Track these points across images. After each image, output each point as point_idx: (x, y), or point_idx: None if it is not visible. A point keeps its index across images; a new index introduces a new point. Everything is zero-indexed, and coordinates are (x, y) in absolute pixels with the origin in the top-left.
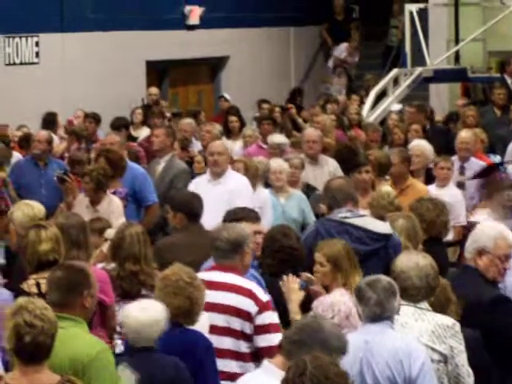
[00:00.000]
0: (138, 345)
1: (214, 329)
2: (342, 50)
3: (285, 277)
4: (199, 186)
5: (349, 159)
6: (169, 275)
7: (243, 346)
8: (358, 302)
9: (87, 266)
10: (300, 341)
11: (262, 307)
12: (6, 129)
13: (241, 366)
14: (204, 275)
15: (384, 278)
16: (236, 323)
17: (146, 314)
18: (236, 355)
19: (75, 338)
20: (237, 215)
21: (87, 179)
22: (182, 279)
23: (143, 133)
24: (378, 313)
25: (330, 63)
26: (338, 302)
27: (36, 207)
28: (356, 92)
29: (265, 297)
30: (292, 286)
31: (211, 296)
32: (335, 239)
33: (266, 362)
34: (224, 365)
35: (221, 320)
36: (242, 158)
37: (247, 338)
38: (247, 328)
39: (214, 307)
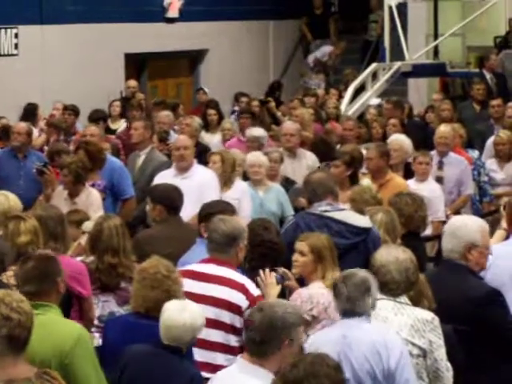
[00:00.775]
0: (166, 342)
1: None
2: (324, 53)
3: (261, 272)
4: (164, 180)
5: (324, 153)
6: (147, 268)
7: (233, 340)
8: (334, 296)
9: (53, 253)
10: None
11: (253, 302)
12: None
13: (228, 359)
14: (197, 267)
15: (359, 274)
16: (226, 317)
17: (182, 314)
18: (225, 348)
19: (54, 324)
20: (213, 208)
21: (66, 172)
22: (160, 272)
23: (121, 125)
24: (349, 308)
25: (310, 60)
26: (316, 294)
27: (12, 199)
28: (334, 86)
29: (256, 291)
30: (269, 281)
31: (202, 288)
32: (318, 233)
33: (239, 358)
34: (212, 357)
35: (211, 312)
36: (218, 151)
37: (237, 331)
38: (237, 322)
39: (204, 299)
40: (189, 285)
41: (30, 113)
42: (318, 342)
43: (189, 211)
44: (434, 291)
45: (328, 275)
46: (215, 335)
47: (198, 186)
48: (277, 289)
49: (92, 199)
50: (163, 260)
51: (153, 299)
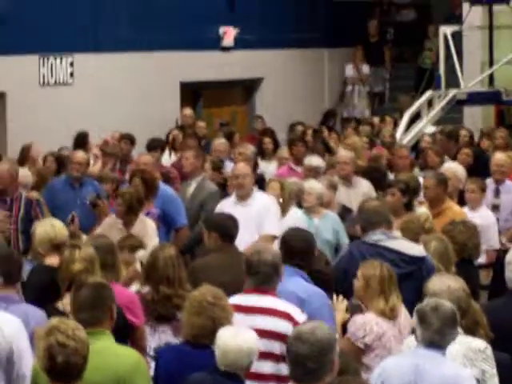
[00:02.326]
0: (223, 368)
1: None
2: (349, 69)
3: (335, 296)
4: (225, 208)
5: (377, 180)
6: (194, 295)
7: (284, 369)
8: (420, 324)
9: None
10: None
11: None
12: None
13: None
14: (240, 299)
15: (447, 305)
16: (275, 347)
17: (236, 339)
18: (276, 379)
19: (110, 351)
20: None
21: (120, 201)
22: (206, 299)
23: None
24: (437, 340)
25: (348, 87)
26: (370, 322)
27: (58, 227)
28: (389, 114)
29: (301, 317)
30: (339, 307)
31: (249, 321)
32: (378, 262)
33: None
34: None
35: (260, 344)
36: (278, 179)
37: None
38: None
39: None
40: (235, 319)
41: (80, 141)
42: (389, 369)
43: (247, 239)
44: (496, 321)
45: (386, 304)
46: (266, 366)
47: (257, 213)
48: (345, 316)
49: (147, 228)
50: (213, 288)
51: (199, 326)
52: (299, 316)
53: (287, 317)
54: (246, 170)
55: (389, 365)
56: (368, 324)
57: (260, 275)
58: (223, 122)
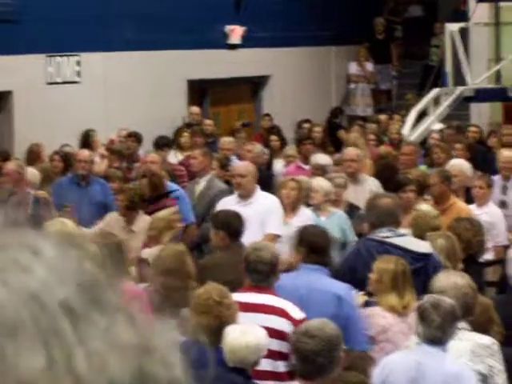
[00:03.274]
0: (231, 364)
1: None
2: (352, 67)
3: (355, 291)
4: (226, 206)
5: (388, 177)
6: (200, 294)
7: (281, 366)
8: (420, 321)
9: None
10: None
11: (297, 325)
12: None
13: None
14: (238, 296)
15: (448, 302)
16: (273, 344)
17: (244, 336)
18: (274, 375)
19: None
20: None
21: (121, 197)
22: (212, 298)
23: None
24: (439, 336)
25: (351, 85)
26: (376, 316)
27: (70, 226)
28: (396, 111)
29: (299, 314)
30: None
31: (246, 318)
32: (395, 257)
33: None
34: None
35: None
36: (295, 178)
37: (284, 356)
38: (283, 347)
39: None
40: None
41: (86, 140)
42: (391, 365)
43: (250, 238)
44: (504, 317)
45: (399, 299)
46: (264, 363)
47: (258, 213)
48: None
49: None
50: (219, 286)
51: (204, 325)
52: (296, 313)
53: (284, 314)
54: (245, 170)
55: (391, 361)
56: (374, 317)
57: (258, 273)
58: (245, 123)
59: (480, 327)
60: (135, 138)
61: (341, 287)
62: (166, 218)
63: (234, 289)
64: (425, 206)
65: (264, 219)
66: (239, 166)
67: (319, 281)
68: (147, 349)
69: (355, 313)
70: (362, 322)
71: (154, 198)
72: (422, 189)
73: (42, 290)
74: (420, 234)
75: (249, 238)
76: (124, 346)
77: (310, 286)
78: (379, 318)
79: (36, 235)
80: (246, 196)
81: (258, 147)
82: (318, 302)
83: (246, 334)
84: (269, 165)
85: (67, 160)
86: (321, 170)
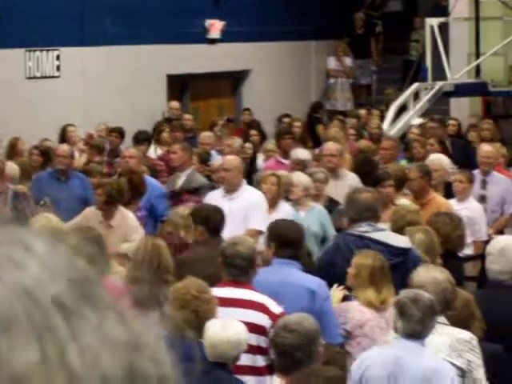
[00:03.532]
0: (212, 359)
1: None
2: (331, 62)
3: (335, 285)
4: (212, 201)
5: (367, 172)
6: (178, 288)
7: (260, 360)
8: (399, 316)
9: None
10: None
11: (276, 320)
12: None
13: (258, 380)
14: (216, 291)
15: (426, 296)
16: (252, 339)
17: (225, 331)
18: (253, 370)
19: None
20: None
21: (100, 191)
22: (190, 293)
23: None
24: (419, 330)
25: (331, 80)
26: (352, 310)
27: (54, 221)
28: (376, 106)
29: (277, 309)
30: (334, 294)
31: (225, 313)
32: (373, 252)
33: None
34: None
35: None
36: (275, 173)
37: (263, 351)
38: (262, 342)
39: None
40: None
41: (64, 134)
42: (369, 360)
43: (234, 232)
44: (484, 312)
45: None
46: (243, 358)
47: (244, 207)
48: (338, 305)
49: (128, 220)
50: (197, 281)
51: (182, 319)
52: (275, 308)
53: (263, 309)
54: (231, 164)
55: (369, 356)
56: (351, 311)
57: (235, 268)
58: (230, 118)
59: (461, 322)
60: (118, 133)
61: (314, 281)
62: (185, 215)
63: (212, 283)
64: (404, 201)
65: (248, 214)
66: (227, 159)
67: (291, 275)
68: (137, 346)
69: (329, 307)
70: (335, 315)
71: (135, 196)
72: (401, 183)
73: (35, 286)
74: (399, 229)
75: (233, 232)
76: (115, 343)
77: (283, 280)
78: (356, 312)
79: (26, 231)
80: (231, 190)
81: (237, 141)
82: (291, 297)
83: (226, 328)
84: (252, 159)
85: (47, 154)
86: (301, 165)
